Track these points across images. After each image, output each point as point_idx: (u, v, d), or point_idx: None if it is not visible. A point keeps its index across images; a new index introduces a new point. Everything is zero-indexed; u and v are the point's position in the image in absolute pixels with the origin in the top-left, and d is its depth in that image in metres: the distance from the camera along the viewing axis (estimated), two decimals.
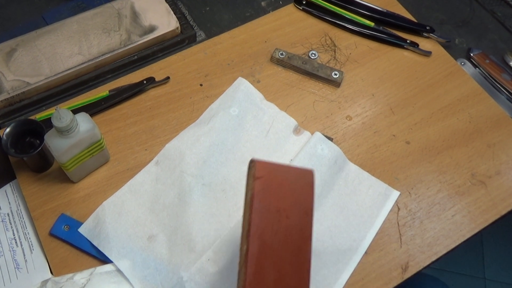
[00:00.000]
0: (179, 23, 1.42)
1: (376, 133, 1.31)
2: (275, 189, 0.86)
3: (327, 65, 1.40)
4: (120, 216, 1.13)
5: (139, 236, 1.12)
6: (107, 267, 1.08)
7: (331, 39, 1.46)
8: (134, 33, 1.38)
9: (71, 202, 1.16)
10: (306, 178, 0.91)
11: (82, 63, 1.32)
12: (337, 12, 1.50)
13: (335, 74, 1.36)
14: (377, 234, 1.16)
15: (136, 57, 1.38)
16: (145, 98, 1.32)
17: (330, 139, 1.27)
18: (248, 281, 0.81)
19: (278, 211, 0.85)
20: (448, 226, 1.19)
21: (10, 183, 1.20)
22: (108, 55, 1.34)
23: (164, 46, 1.41)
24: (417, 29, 1.49)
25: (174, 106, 1.31)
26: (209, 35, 1.47)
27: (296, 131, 1.28)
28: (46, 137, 1.04)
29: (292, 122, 1.29)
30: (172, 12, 1.42)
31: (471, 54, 1.49)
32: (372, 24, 1.49)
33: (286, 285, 0.84)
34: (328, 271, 1.10)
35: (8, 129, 1.13)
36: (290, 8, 1.52)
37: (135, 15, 1.40)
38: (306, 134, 1.28)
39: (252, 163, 0.87)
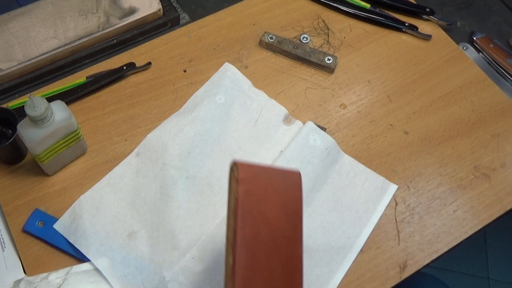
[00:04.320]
0: (161, 5, 1.42)
1: (372, 123, 1.31)
2: (261, 193, 0.86)
3: (320, 49, 1.40)
4: (98, 211, 1.13)
5: (118, 232, 1.12)
6: (84, 266, 1.08)
7: (324, 22, 1.46)
8: (113, 15, 1.38)
9: (46, 197, 1.16)
10: (293, 180, 0.91)
11: (58, 48, 1.32)
12: None
13: (329, 60, 1.36)
14: (373, 230, 1.17)
15: (115, 41, 1.38)
16: (125, 85, 1.32)
17: (323, 129, 1.27)
18: None
19: (265, 217, 0.85)
20: (450, 222, 1.19)
21: None
22: (86, 39, 1.34)
23: (145, 29, 1.41)
24: (416, 11, 1.49)
25: (156, 93, 1.31)
26: (194, 18, 1.46)
27: (287, 120, 1.28)
28: (19, 126, 1.04)
29: (282, 110, 1.29)
30: None
31: (474, 38, 1.49)
32: (368, 5, 1.49)
33: None
34: (320, 271, 1.11)
35: None
36: None
37: None
38: (298, 123, 1.28)
39: (234, 166, 0.87)
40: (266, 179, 0.88)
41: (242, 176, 0.85)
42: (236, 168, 0.86)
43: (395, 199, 1.21)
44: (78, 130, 1.12)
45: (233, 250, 0.82)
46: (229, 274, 0.82)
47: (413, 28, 1.45)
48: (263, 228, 0.84)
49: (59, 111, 1.05)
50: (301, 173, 1.18)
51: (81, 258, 1.09)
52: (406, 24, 1.45)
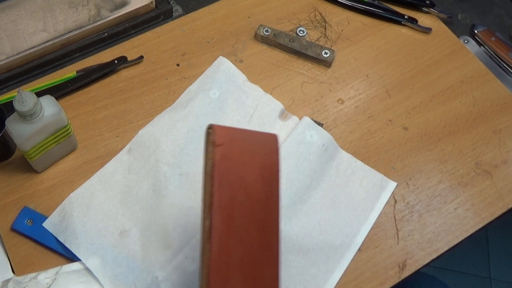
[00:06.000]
0: None
1: (370, 118, 1.31)
2: (237, 157, 0.87)
3: (317, 43, 1.40)
4: (89, 209, 1.13)
5: (109, 231, 1.11)
6: (75, 265, 1.07)
7: (321, 15, 1.46)
8: (104, 7, 1.37)
9: (35, 194, 1.15)
10: (270, 143, 0.91)
11: (47, 41, 1.31)
12: None
13: (326, 53, 1.36)
14: (371, 229, 1.17)
15: (106, 34, 1.38)
16: (116, 79, 1.31)
17: (320, 124, 1.27)
18: (213, 259, 0.81)
19: (242, 181, 0.86)
20: (450, 221, 1.19)
21: None
22: (76, 32, 1.34)
23: (137, 22, 1.41)
24: (416, 4, 1.49)
25: (148, 88, 1.31)
26: (187, 10, 1.46)
27: (283, 115, 1.28)
28: (7, 122, 1.04)
29: (278, 106, 1.29)
30: None
31: (475, 31, 1.49)
32: None
33: (254, 261, 0.84)
34: (317, 270, 1.11)
35: None
36: None
37: None
38: (294, 119, 1.28)
39: (211, 129, 0.87)
40: (243, 142, 0.89)
41: (218, 140, 0.85)
42: (212, 131, 0.86)
43: (394, 197, 1.21)
44: (68, 125, 1.11)
45: (209, 213, 0.83)
46: (206, 237, 0.83)
47: (413, 21, 1.45)
48: (240, 191, 0.85)
49: (49, 106, 1.05)
50: (298, 170, 1.18)
51: (71, 257, 1.08)
52: (406, 17, 1.45)
